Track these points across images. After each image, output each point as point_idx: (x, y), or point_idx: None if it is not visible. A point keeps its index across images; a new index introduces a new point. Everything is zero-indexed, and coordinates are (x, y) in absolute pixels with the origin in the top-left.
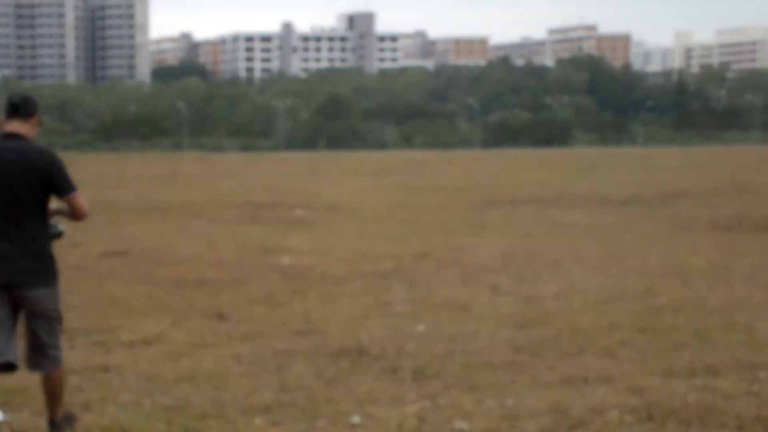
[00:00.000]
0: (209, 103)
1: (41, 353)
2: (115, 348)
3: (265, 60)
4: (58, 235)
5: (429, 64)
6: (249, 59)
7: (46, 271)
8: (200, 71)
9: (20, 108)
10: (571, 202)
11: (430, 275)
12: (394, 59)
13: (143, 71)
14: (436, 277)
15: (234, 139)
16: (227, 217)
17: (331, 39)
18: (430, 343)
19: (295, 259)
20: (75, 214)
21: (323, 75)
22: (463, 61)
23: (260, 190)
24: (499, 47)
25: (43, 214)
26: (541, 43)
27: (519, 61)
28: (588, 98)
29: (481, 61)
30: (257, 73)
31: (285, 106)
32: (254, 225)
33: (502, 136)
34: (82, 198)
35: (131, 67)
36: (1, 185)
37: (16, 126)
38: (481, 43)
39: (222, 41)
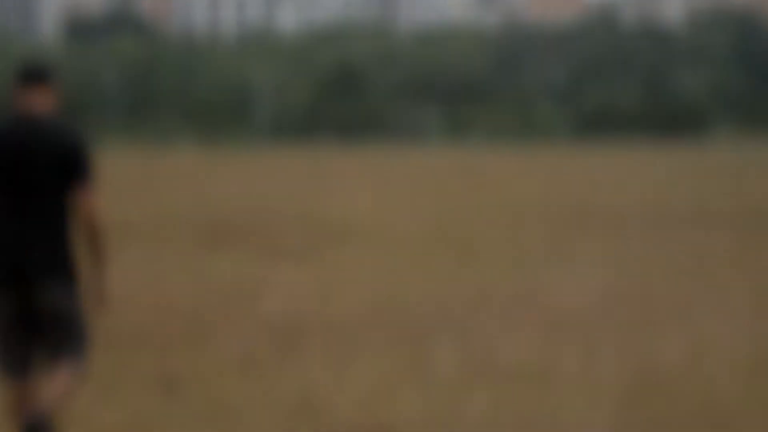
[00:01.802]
0: (152, 73)
1: (58, 358)
2: None
3: (240, 7)
4: None
5: (492, 19)
6: (213, 6)
7: (67, 266)
8: (136, 26)
9: (38, 78)
10: (706, 222)
11: (490, 328)
12: (438, 12)
13: (47, 24)
14: (499, 330)
15: (190, 126)
16: (181, 243)
17: None
18: (490, 428)
19: (285, 303)
20: (85, 217)
21: (329, 33)
22: (544, 16)
23: (231, 203)
24: None
25: (66, 202)
26: None
27: (629, 18)
28: (732, 71)
29: (573, 18)
30: (226, 28)
31: (270, 78)
32: (221, 254)
33: (603, 124)
34: (98, 199)
35: (27, 16)
36: (19, 170)
37: (33, 99)
38: None
39: None
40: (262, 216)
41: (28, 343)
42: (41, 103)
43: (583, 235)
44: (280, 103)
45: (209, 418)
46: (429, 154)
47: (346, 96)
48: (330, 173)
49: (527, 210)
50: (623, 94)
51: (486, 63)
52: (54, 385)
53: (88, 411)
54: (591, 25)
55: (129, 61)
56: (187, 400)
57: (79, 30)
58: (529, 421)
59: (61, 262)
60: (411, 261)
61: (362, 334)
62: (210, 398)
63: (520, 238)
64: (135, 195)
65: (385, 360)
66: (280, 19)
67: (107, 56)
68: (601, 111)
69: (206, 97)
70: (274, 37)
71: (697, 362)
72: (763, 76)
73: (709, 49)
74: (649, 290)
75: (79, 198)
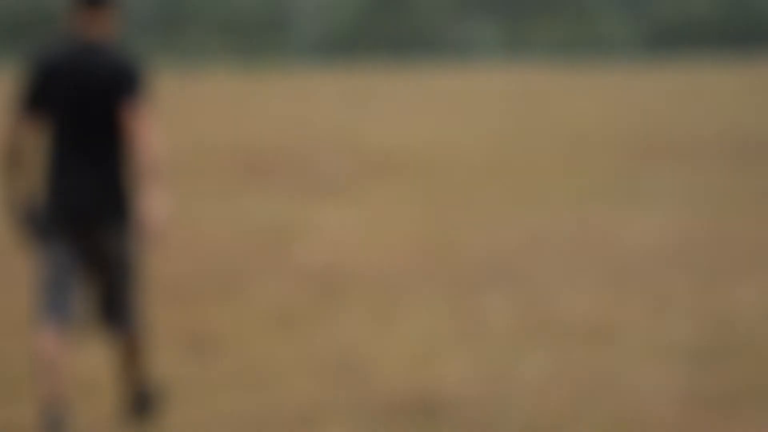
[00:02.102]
0: None
1: (116, 312)
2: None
3: None
4: None
5: None
6: None
7: (124, 208)
8: None
9: (96, 1)
10: None
11: (549, 274)
12: None
13: None
14: (559, 277)
15: (226, 44)
16: (214, 178)
17: None
18: (549, 391)
19: (325, 249)
20: (137, 143)
21: None
22: None
23: (269, 131)
24: None
25: (122, 135)
26: None
27: None
28: None
29: None
30: None
31: None
32: (258, 190)
33: (675, 37)
34: (153, 124)
35: None
36: (74, 100)
37: (91, 23)
38: None
39: None
40: (303, 146)
41: (74, 291)
42: (99, 27)
43: (654, 167)
44: (322, 19)
45: (243, 383)
46: (483, 74)
47: (394, 10)
48: (377, 96)
49: (591, 138)
50: (697, 4)
51: None
52: (131, 348)
53: (111, 378)
54: None
55: None
56: (219, 363)
57: None
58: (593, 383)
59: (119, 203)
60: (463, 198)
61: (408, 285)
62: (241, 357)
63: (581, 169)
64: (165, 123)
65: (432, 315)
66: None
67: None
68: (673, 22)
69: (243, 13)
70: None
71: None
72: None
73: None
74: (727, 231)
75: (133, 125)
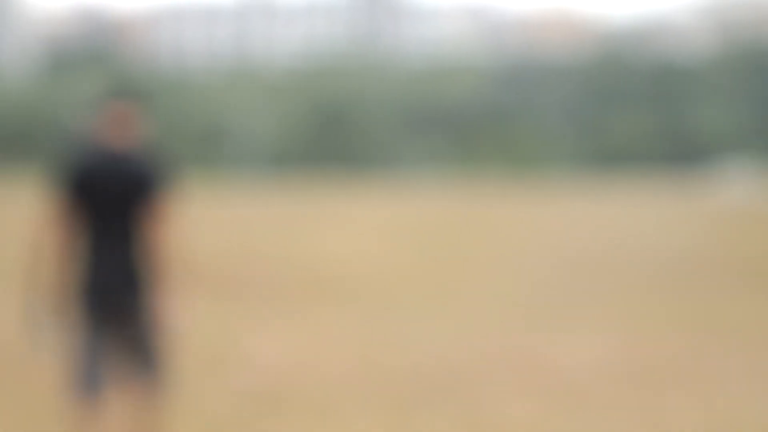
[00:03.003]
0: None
1: (147, 366)
2: None
3: (212, 38)
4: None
5: (493, 51)
6: (184, 33)
7: (148, 290)
8: (105, 55)
9: (128, 99)
10: (729, 274)
11: (488, 395)
12: (433, 40)
13: (12, 48)
14: (497, 398)
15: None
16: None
17: (326, 7)
18: None
19: (262, 368)
20: (156, 244)
21: (314, 63)
22: (551, 47)
23: (208, 246)
24: (609, 27)
25: (146, 229)
26: (676, 22)
27: (639, 49)
28: (748, 106)
29: (578, 49)
30: (198, 58)
31: (248, 113)
32: (196, 303)
33: (614, 158)
34: (173, 228)
35: None
36: (103, 198)
37: (116, 126)
38: (580, 20)
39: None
40: (240, 261)
41: (106, 363)
42: (125, 130)
43: (593, 289)
44: (262, 138)
45: None
46: (427, 194)
47: (337, 132)
48: (316, 214)
49: (533, 259)
50: (635, 128)
51: (486, 98)
52: (147, 415)
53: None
54: (599, 58)
55: (96, 92)
56: None
57: (55, 60)
58: None
59: (144, 285)
60: (403, 318)
61: (344, 404)
62: None
63: (522, 288)
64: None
65: None
66: (258, 46)
67: (75, 86)
68: (612, 145)
69: (181, 133)
70: (252, 68)
71: None
72: None
73: (727, 81)
74: (663, 352)
75: (154, 228)
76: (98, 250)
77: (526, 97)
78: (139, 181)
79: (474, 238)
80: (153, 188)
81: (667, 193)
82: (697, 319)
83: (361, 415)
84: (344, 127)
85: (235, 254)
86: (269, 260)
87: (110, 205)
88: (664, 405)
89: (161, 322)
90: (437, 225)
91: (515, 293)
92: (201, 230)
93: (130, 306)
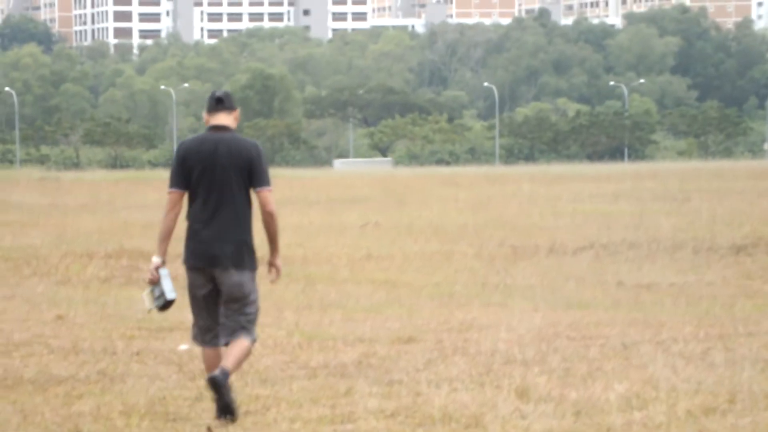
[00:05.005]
0: (56, 89)
1: (234, 331)
2: None
3: (149, 19)
4: (166, 304)
5: (417, 24)
6: (121, 17)
7: (244, 257)
8: (42, 37)
9: (224, 102)
10: (652, 251)
11: (418, 371)
12: (359, 17)
13: None
14: (428, 374)
15: (98, 146)
16: (87, 275)
17: None
18: None
19: None
20: (263, 212)
21: (242, 41)
22: (472, 19)
23: (140, 230)
24: None
25: (248, 202)
26: None
27: (564, 20)
28: (677, 79)
29: (502, 20)
30: (134, 40)
31: (181, 93)
32: (131, 287)
33: (535, 141)
34: (273, 197)
35: None
36: (214, 172)
37: (221, 118)
38: None
39: None
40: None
41: (215, 317)
42: (224, 121)
43: (517, 266)
44: (192, 119)
45: None
46: (350, 176)
47: (266, 113)
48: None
49: (457, 237)
50: (558, 107)
51: (410, 74)
52: (233, 352)
53: None
54: (522, 27)
55: (32, 75)
56: None
57: None
58: None
59: (243, 251)
60: (332, 295)
61: (278, 377)
62: None
63: (448, 269)
64: (37, 223)
65: (301, 408)
66: (193, 29)
67: (10, 68)
68: (532, 126)
69: (115, 115)
70: (184, 48)
71: (641, 406)
72: (711, 87)
73: (651, 54)
74: (590, 327)
75: (258, 195)
76: (205, 218)
77: (449, 76)
78: (239, 154)
79: (398, 223)
80: (251, 161)
81: (595, 170)
82: None
83: (292, 380)
84: (272, 109)
85: None
86: None
87: (215, 176)
88: None
89: (269, 271)
90: (358, 207)
91: (446, 273)
92: (127, 212)
93: (232, 275)
